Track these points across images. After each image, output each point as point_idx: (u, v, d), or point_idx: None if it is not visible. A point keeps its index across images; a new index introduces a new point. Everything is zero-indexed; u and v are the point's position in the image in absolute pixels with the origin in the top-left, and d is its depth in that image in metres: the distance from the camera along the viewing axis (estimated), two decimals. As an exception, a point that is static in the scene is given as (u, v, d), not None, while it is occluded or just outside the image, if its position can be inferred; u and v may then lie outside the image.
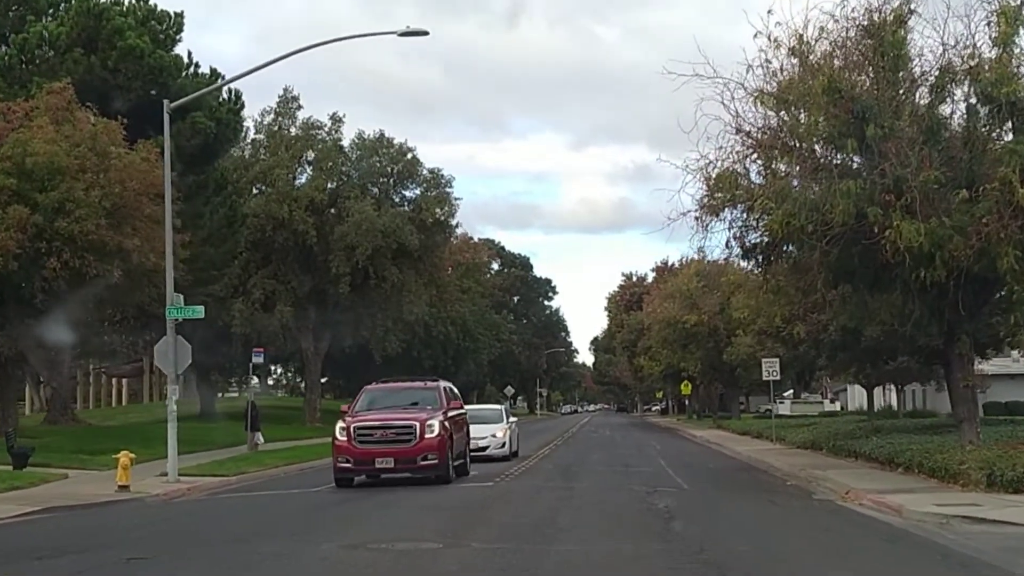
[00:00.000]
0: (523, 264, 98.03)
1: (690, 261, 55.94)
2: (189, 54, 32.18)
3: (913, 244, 14.60)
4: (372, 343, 45.67)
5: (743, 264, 19.37)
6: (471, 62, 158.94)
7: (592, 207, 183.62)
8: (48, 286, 21.41)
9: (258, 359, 26.26)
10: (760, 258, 18.85)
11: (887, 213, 15.02)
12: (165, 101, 19.17)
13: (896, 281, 16.00)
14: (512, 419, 24.86)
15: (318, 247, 41.94)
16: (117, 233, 22.02)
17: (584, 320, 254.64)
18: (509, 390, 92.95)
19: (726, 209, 18.43)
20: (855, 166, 16.17)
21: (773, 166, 17.97)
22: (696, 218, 18.30)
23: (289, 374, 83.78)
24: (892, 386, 40.86)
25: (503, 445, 23.04)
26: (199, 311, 17.88)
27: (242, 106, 31.32)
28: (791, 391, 68.86)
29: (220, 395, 76.71)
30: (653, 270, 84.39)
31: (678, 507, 12.25)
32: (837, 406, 63.23)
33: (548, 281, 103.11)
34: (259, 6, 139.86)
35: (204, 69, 32.46)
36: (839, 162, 16.24)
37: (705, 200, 18.28)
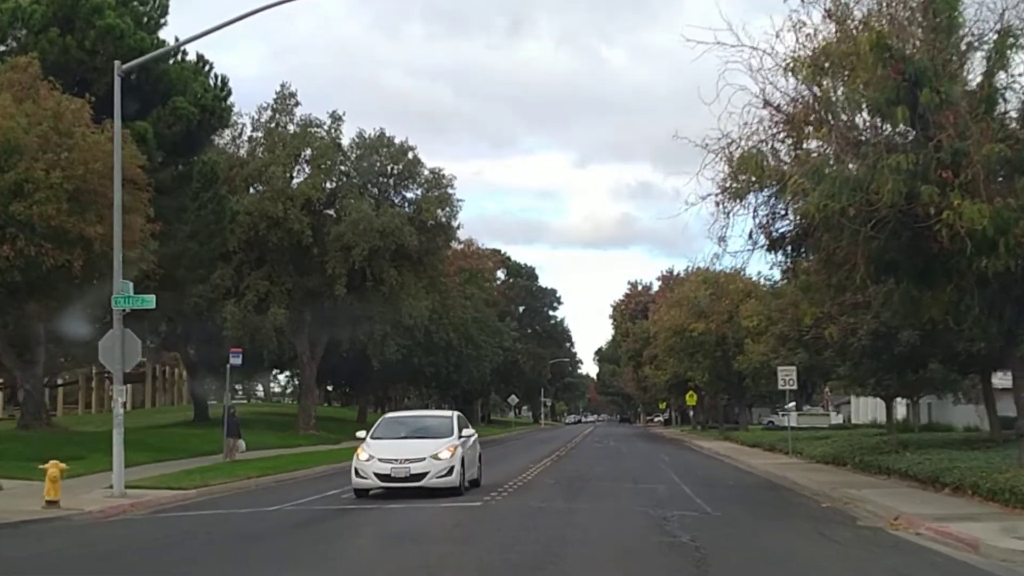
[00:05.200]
0: (528, 274, 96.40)
1: (696, 270, 54.43)
2: (176, 39, 30.36)
3: (976, 227, 12.58)
4: (370, 348, 43.67)
5: (769, 257, 17.22)
6: (479, 80, 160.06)
7: (596, 223, 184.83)
8: (1, 277, 19.47)
9: (235, 360, 24.29)
10: (789, 249, 16.82)
11: (944, 192, 13.01)
12: (116, 62, 17.34)
13: (951, 273, 13.95)
14: (467, 432, 17.19)
15: (314, 247, 40.06)
16: (79, 220, 20.10)
17: (588, 333, 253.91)
18: (513, 399, 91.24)
19: (751, 194, 16.50)
20: (904, 140, 14.19)
21: (805, 145, 16.03)
22: (717, 203, 16.35)
23: (296, 380, 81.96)
24: (905, 399, 38.62)
25: (449, 471, 15.63)
26: (149, 301, 15.92)
27: (229, 93, 29.47)
28: (793, 403, 66.98)
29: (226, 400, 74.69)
30: (659, 279, 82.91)
31: (707, 540, 10.01)
32: (840, 419, 61.02)
33: (553, 291, 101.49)
34: (274, 26, 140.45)
35: (191, 57, 30.73)
36: (886, 135, 14.25)
37: (727, 183, 16.32)
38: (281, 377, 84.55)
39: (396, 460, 15.65)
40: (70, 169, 19.95)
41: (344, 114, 42.56)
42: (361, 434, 17.19)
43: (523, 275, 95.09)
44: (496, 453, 34.99)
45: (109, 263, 21.45)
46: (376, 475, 15.68)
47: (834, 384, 57.27)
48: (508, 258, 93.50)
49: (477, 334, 61.82)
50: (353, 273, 40.01)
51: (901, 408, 47.97)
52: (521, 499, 15.12)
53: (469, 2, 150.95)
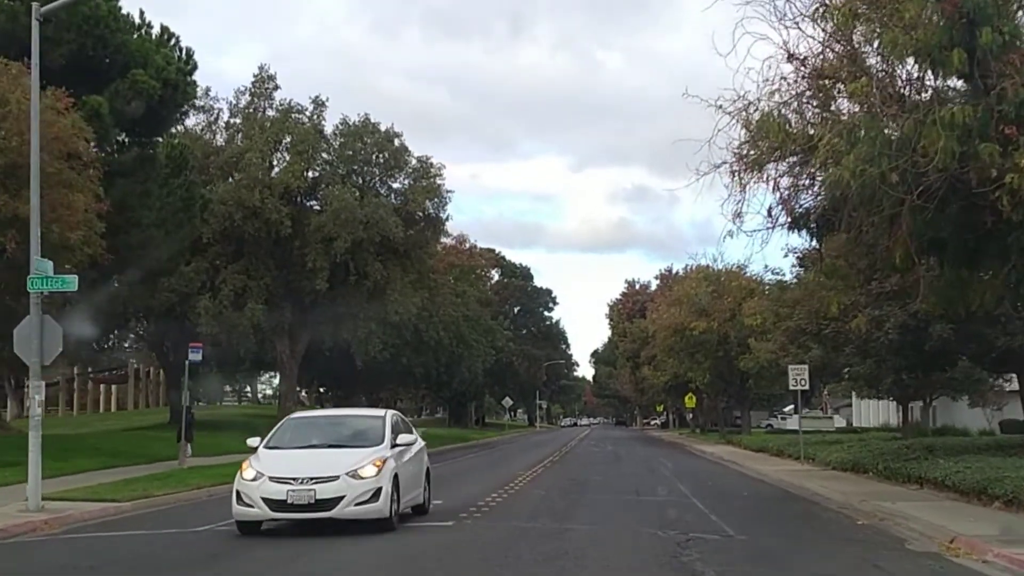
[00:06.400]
0: (523, 274, 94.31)
1: (697, 267, 52.39)
2: (142, 13, 28.21)
3: (1048, 193, 10.50)
4: (354, 346, 41.40)
5: (791, 239, 15.10)
6: (477, 84, 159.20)
7: (593, 227, 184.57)
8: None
9: (195, 356, 22.14)
10: (815, 227, 14.70)
11: (1006, 152, 10.94)
12: (35, 4, 15.14)
13: (1009, 250, 11.86)
14: (407, 438, 12.33)
15: (295, 240, 37.85)
16: (13, 198, 17.93)
17: (585, 338, 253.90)
18: (507, 401, 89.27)
19: (771, 163, 14.41)
20: (957, 94, 12.09)
21: (834, 106, 13.96)
22: (732, 172, 14.27)
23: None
24: (918, 401, 36.56)
25: (374, 495, 10.98)
26: (70, 282, 13.74)
27: (194, 67, 27.26)
28: (791, 406, 65.37)
29: (218, 402, 72.20)
30: (657, 277, 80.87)
31: None
32: (843, 422, 58.95)
33: (548, 291, 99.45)
34: (272, 29, 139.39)
35: (156, 30, 28.53)
36: (934, 87, 12.15)
37: (744, 150, 14.24)
38: (272, 379, 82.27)
39: (295, 480, 10.85)
40: (3, 141, 17.77)
41: (327, 100, 40.29)
42: (254, 441, 12.29)
43: (518, 275, 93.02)
44: (486, 459, 32.87)
45: (51, 246, 19.36)
46: (266, 501, 10.88)
47: (833, 387, 55.23)
48: (503, 258, 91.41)
49: (469, 333, 59.61)
50: (335, 267, 37.84)
51: (906, 411, 45.93)
52: (504, 518, 12.75)
53: (467, 6, 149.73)
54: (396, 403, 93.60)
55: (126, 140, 27.24)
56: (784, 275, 32.85)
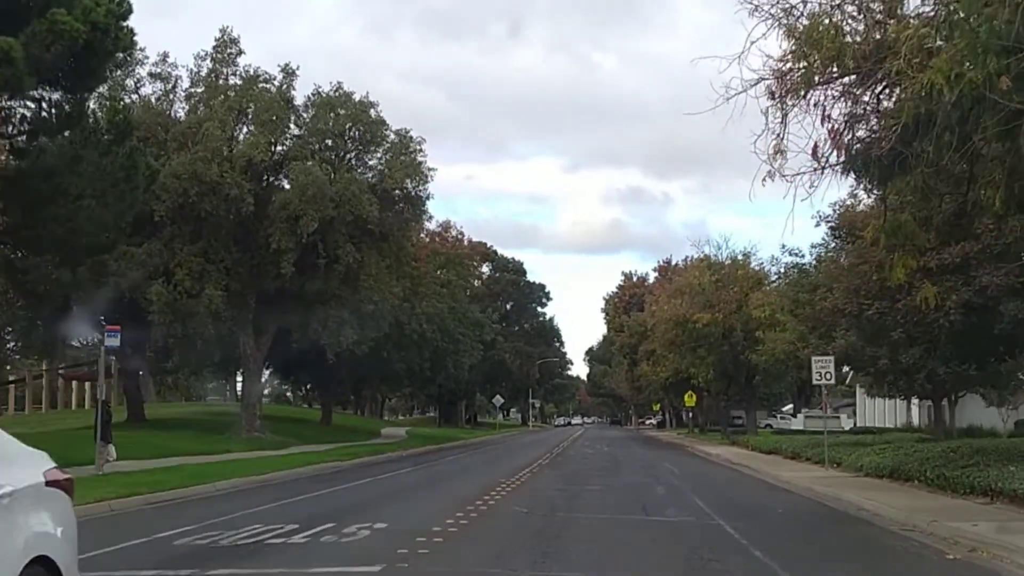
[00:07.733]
0: (516, 269, 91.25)
1: (702, 256, 49.16)
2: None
3: None
4: (324, 337, 37.86)
5: (849, 180, 11.71)
6: (472, 86, 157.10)
7: (587, 228, 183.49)
8: None
9: (112, 341, 18.77)
10: (877, 168, 11.31)
11: None
12: None
13: None
14: None
15: (263, 220, 34.33)
16: None
17: (579, 341, 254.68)
18: (498, 400, 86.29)
19: (819, 89, 11.09)
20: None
21: (901, 10, 10.66)
22: (771, 95, 10.94)
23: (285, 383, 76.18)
24: (947, 398, 33.32)
25: None
26: None
27: (128, 10, 23.69)
28: (791, 405, 62.83)
29: (204, 399, 68.78)
30: (655, 269, 77.90)
31: None
32: (849, 422, 55.85)
33: (542, 286, 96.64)
34: (268, 31, 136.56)
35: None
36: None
37: (787, 64, 10.91)
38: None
39: None
40: None
41: (298, 68, 36.78)
42: None
43: (510, 269, 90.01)
44: (468, 461, 29.65)
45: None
46: None
47: (832, 387, 51.83)
48: (494, 252, 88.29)
49: (455, 327, 56.15)
50: (303, 249, 34.34)
51: (915, 410, 42.79)
52: (460, 555, 9.02)
53: (462, 8, 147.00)
54: (385, 401, 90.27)
55: (53, 97, 23.76)
56: (803, 255, 29.72)
